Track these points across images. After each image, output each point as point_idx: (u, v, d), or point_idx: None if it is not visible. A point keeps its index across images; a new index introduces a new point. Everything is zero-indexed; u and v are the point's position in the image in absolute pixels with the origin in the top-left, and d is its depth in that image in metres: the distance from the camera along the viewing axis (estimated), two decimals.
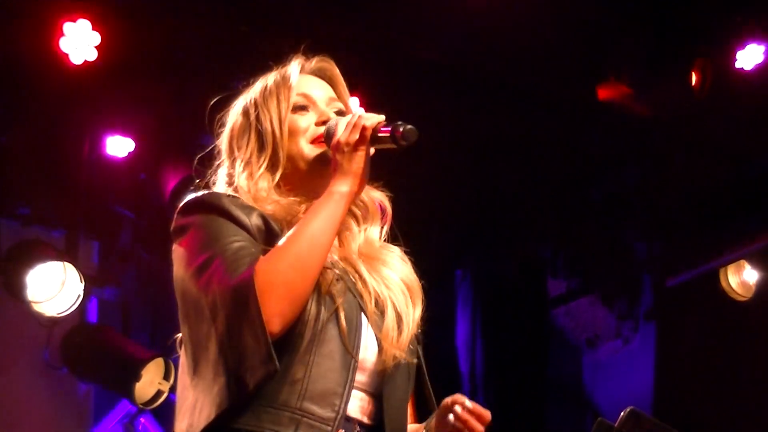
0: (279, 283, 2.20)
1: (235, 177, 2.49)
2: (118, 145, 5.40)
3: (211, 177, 2.57)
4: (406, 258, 2.53)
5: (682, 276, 6.62)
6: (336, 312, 2.30)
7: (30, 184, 5.41)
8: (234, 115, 2.57)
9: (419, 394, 2.50)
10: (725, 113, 5.66)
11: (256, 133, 2.50)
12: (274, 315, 2.18)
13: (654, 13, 5.48)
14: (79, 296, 5.29)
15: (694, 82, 5.40)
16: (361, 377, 2.34)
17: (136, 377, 5.36)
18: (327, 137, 2.45)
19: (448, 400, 2.38)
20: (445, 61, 5.52)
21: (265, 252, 2.28)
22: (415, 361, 2.45)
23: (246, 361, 2.18)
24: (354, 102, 5.11)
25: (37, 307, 5.24)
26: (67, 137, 5.38)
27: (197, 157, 2.68)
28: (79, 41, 4.87)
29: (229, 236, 2.29)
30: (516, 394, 7.09)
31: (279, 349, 2.19)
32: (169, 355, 5.21)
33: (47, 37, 4.85)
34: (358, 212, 2.51)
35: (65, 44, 4.85)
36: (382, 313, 2.38)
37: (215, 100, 2.65)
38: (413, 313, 2.43)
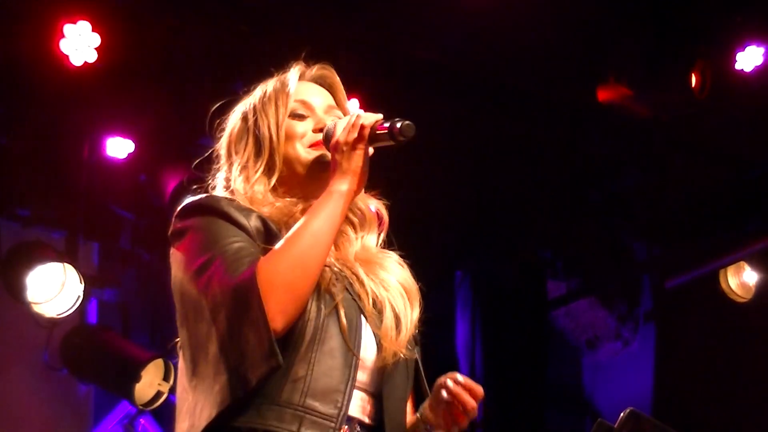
0: (281, 281, 2.22)
1: (232, 181, 2.51)
2: (118, 147, 5.40)
3: (210, 181, 2.59)
4: (403, 263, 2.55)
5: (681, 277, 6.62)
6: (336, 310, 2.32)
7: (30, 185, 5.41)
8: (233, 120, 2.60)
9: (416, 392, 2.51)
10: (725, 115, 5.67)
11: (254, 138, 2.52)
12: (278, 313, 2.20)
13: (654, 14, 5.48)
14: (78, 297, 5.28)
15: (694, 84, 5.40)
16: (361, 376, 2.35)
17: (136, 378, 5.35)
18: (325, 138, 2.46)
19: (441, 378, 2.39)
20: (445, 62, 5.52)
21: (265, 252, 2.30)
22: (413, 360, 2.46)
23: (248, 357, 2.19)
24: (353, 103, 5.14)
25: (37, 308, 5.24)
26: (67, 138, 5.38)
27: (196, 162, 2.69)
28: (79, 43, 4.86)
29: (229, 237, 2.30)
30: (516, 396, 7.09)
31: (280, 348, 2.20)
32: (169, 356, 5.22)
33: (47, 39, 4.85)
34: (355, 219, 2.53)
35: (65, 46, 4.85)
36: (380, 313, 2.40)
37: (217, 105, 2.65)
38: (411, 314, 2.45)
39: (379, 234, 2.57)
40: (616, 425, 2.40)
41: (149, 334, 5.96)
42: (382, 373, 2.37)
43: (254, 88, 2.62)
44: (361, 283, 2.41)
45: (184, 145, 5.41)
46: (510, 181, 6.33)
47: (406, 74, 5.51)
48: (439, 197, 6.27)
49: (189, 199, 2.43)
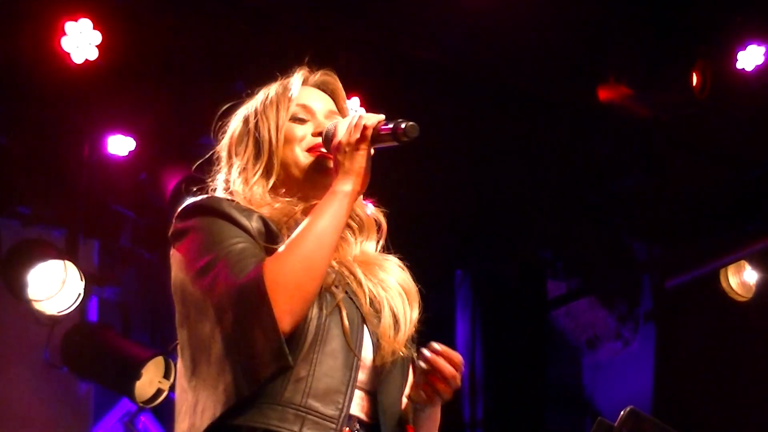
0: (289, 281, 2.22)
1: (232, 182, 2.53)
2: (119, 145, 5.40)
3: (210, 183, 2.59)
4: (403, 266, 2.55)
5: (681, 277, 6.62)
6: (338, 310, 2.33)
7: (31, 183, 5.41)
8: (235, 122, 2.61)
9: None
10: (725, 114, 5.66)
11: (254, 141, 2.54)
12: (285, 313, 2.20)
13: (654, 14, 5.48)
14: (79, 295, 5.29)
15: (694, 83, 5.41)
16: (360, 375, 2.35)
17: (137, 376, 5.36)
18: (326, 140, 2.47)
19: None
20: (445, 62, 5.52)
21: (267, 252, 2.30)
22: (409, 358, 2.46)
23: (258, 357, 2.19)
24: (354, 101, 5.14)
25: (38, 306, 5.24)
26: (68, 136, 5.38)
27: (197, 163, 2.69)
28: (81, 40, 4.86)
29: (232, 238, 2.31)
30: (516, 395, 7.09)
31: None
32: (169, 354, 5.23)
33: (48, 36, 4.85)
34: (354, 224, 2.54)
35: (66, 43, 4.85)
36: (377, 312, 2.41)
37: (222, 109, 2.66)
38: (410, 314, 2.46)
39: (378, 241, 2.57)
40: (616, 424, 2.40)
41: (149, 332, 5.96)
42: (380, 372, 2.38)
43: (257, 91, 2.64)
44: (359, 283, 2.42)
45: (185, 143, 5.42)
46: (510, 181, 6.33)
47: (406, 74, 5.51)
48: (440, 197, 6.27)
49: (190, 200, 2.44)
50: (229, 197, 2.47)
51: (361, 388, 2.36)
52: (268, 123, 2.53)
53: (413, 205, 5.73)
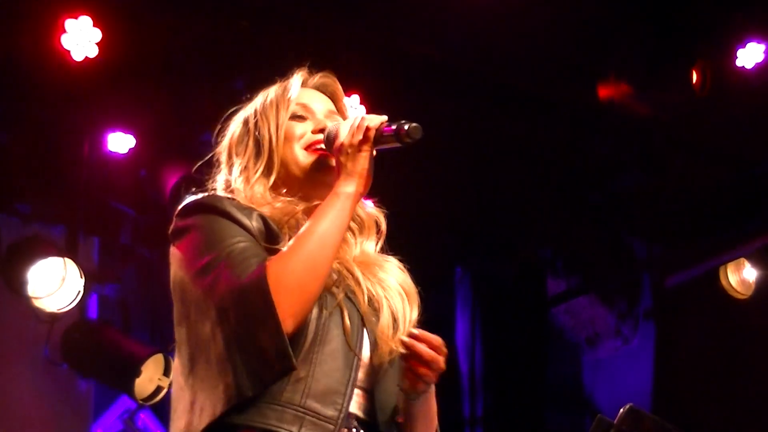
0: (292, 283, 2.22)
1: (233, 181, 2.53)
2: (119, 142, 5.40)
3: (210, 184, 2.60)
4: (403, 267, 2.56)
5: (681, 275, 6.62)
6: (339, 311, 2.33)
7: (31, 180, 5.41)
8: (234, 124, 2.62)
9: None
10: (726, 112, 5.66)
11: (254, 140, 2.55)
12: (288, 315, 2.20)
13: (654, 12, 5.48)
14: (79, 292, 5.29)
15: (694, 82, 5.41)
16: (359, 374, 2.35)
17: (136, 373, 5.36)
18: (327, 141, 2.47)
19: None
20: (446, 60, 5.52)
21: (268, 251, 2.31)
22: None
23: (262, 358, 2.19)
24: (354, 99, 5.14)
25: (38, 303, 5.24)
26: (68, 134, 5.38)
27: (196, 166, 2.69)
28: (81, 38, 4.87)
29: (233, 237, 2.31)
30: (515, 393, 7.09)
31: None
32: (169, 351, 5.23)
33: (48, 34, 4.85)
34: (354, 225, 2.54)
35: (66, 41, 4.85)
36: (376, 311, 2.41)
37: (224, 116, 2.66)
38: (410, 314, 2.46)
39: (378, 241, 2.57)
40: (615, 421, 2.40)
41: (149, 329, 5.97)
42: (378, 371, 2.38)
43: (256, 94, 2.64)
44: (357, 282, 2.42)
45: (185, 141, 5.42)
46: (510, 179, 6.33)
47: (406, 73, 5.51)
48: (439, 195, 6.27)
49: (190, 198, 2.44)
50: (230, 196, 2.47)
51: (359, 387, 2.36)
52: (268, 122, 2.54)
53: (413, 203, 5.73)
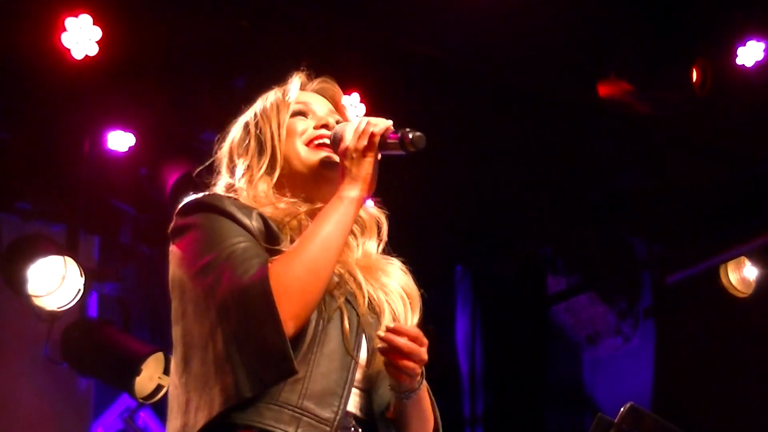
0: (294, 286, 2.22)
1: (236, 181, 2.53)
2: (119, 140, 5.40)
3: (211, 188, 2.59)
4: (406, 269, 2.56)
5: (681, 273, 6.62)
6: (339, 313, 2.33)
7: (31, 179, 5.41)
8: (234, 129, 2.63)
9: None
10: (726, 110, 5.66)
11: (256, 140, 2.55)
12: (289, 318, 2.20)
13: (655, 10, 5.47)
14: (79, 291, 5.28)
15: (694, 80, 5.40)
16: (356, 375, 2.35)
17: (136, 372, 5.36)
18: (333, 142, 2.48)
19: None
20: (446, 59, 5.52)
21: (269, 252, 2.31)
22: None
23: (262, 359, 2.19)
24: (354, 97, 5.14)
25: (38, 302, 5.24)
26: (68, 132, 5.38)
27: (197, 171, 2.68)
28: (81, 36, 4.86)
29: (234, 236, 2.31)
30: (515, 391, 7.10)
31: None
32: (169, 350, 5.23)
33: (49, 33, 4.85)
34: (356, 228, 2.54)
35: (67, 39, 4.85)
36: (376, 315, 2.41)
37: (226, 130, 2.66)
38: (411, 319, 2.47)
39: (379, 243, 2.58)
40: (616, 420, 2.40)
41: (149, 327, 5.97)
42: (376, 372, 2.38)
43: (255, 96, 2.65)
44: (358, 285, 2.42)
45: (185, 139, 5.43)
46: (510, 177, 6.33)
47: (406, 72, 5.51)
48: (440, 193, 6.27)
49: (191, 196, 2.44)
50: (231, 195, 2.47)
51: (356, 387, 2.36)
52: (270, 121, 2.54)
53: (414, 202, 5.73)
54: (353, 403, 2.35)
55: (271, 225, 2.37)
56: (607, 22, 5.52)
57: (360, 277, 2.43)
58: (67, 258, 5.29)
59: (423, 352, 2.31)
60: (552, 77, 5.67)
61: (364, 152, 2.38)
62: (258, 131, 2.55)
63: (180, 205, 2.43)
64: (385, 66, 5.42)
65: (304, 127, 2.55)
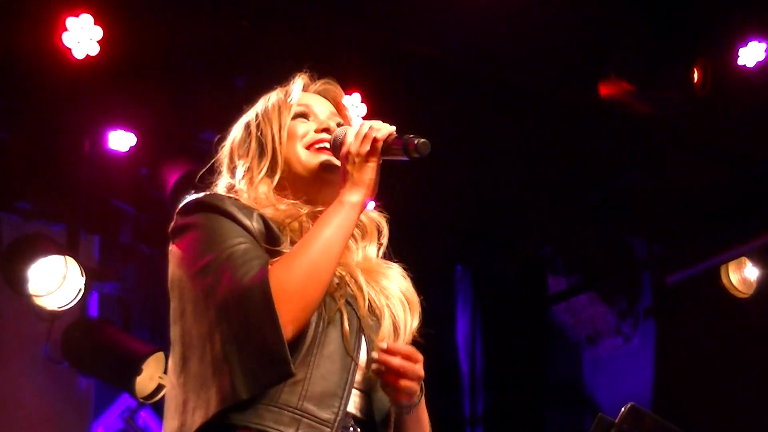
0: (294, 290, 2.22)
1: (237, 182, 2.53)
2: (120, 140, 5.40)
3: (212, 189, 2.59)
4: (406, 275, 2.56)
5: (681, 273, 6.62)
6: (339, 315, 2.33)
7: (31, 178, 5.41)
8: (235, 131, 2.62)
9: None
10: (727, 110, 5.66)
11: (257, 142, 2.55)
12: (288, 321, 2.20)
13: (655, 10, 5.47)
14: (80, 290, 5.28)
15: (695, 80, 5.40)
16: (356, 376, 2.35)
17: (137, 371, 5.36)
18: (334, 145, 2.47)
19: None
20: (445, 60, 5.52)
21: (269, 253, 2.31)
22: None
23: (260, 361, 2.18)
24: (355, 97, 5.14)
25: (38, 301, 5.24)
26: (69, 132, 5.38)
27: (198, 176, 2.68)
28: (82, 36, 4.87)
29: (234, 237, 2.30)
30: (516, 391, 7.09)
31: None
32: (169, 349, 5.23)
33: (49, 32, 4.85)
34: (356, 231, 2.54)
35: (68, 39, 4.85)
36: (377, 318, 2.42)
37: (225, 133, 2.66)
38: (411, 323, 2.47)
39: (379, 247, 2.57)
40: (616, 420, 2.40)
41: (150, 327, 5.97)
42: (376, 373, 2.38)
43: (256, 98, 2.65)
44: (359, 288, 2.42)
45: (185, 139, 5.43)
46: (510, 177, 6.33)
47: (406, 72, 5.51)
48: (440, 193, 6.27)
49: (191, 196, 2.43)
50: (231, 195, 2.47)
51: (356, 388, 2.36)
52: (271, 123, 2.54)
53: (414, 202, 5.73)
54: (353, 404, 2.35)
55: (272, 226, 2.37)
56: (607, 22, 5.52)
57: (361, 279, 2.43)
58: (67, 258, 5.29)
59: (418, 369, 2.31)
60: (552, 77, 5.67)
61: (366, 157, 2.37)
62: (259, 133, 2.54)
63: (180, 205, 2.42)
64: (385, 66, 5.42)
65: (305, 130, 2.55)
